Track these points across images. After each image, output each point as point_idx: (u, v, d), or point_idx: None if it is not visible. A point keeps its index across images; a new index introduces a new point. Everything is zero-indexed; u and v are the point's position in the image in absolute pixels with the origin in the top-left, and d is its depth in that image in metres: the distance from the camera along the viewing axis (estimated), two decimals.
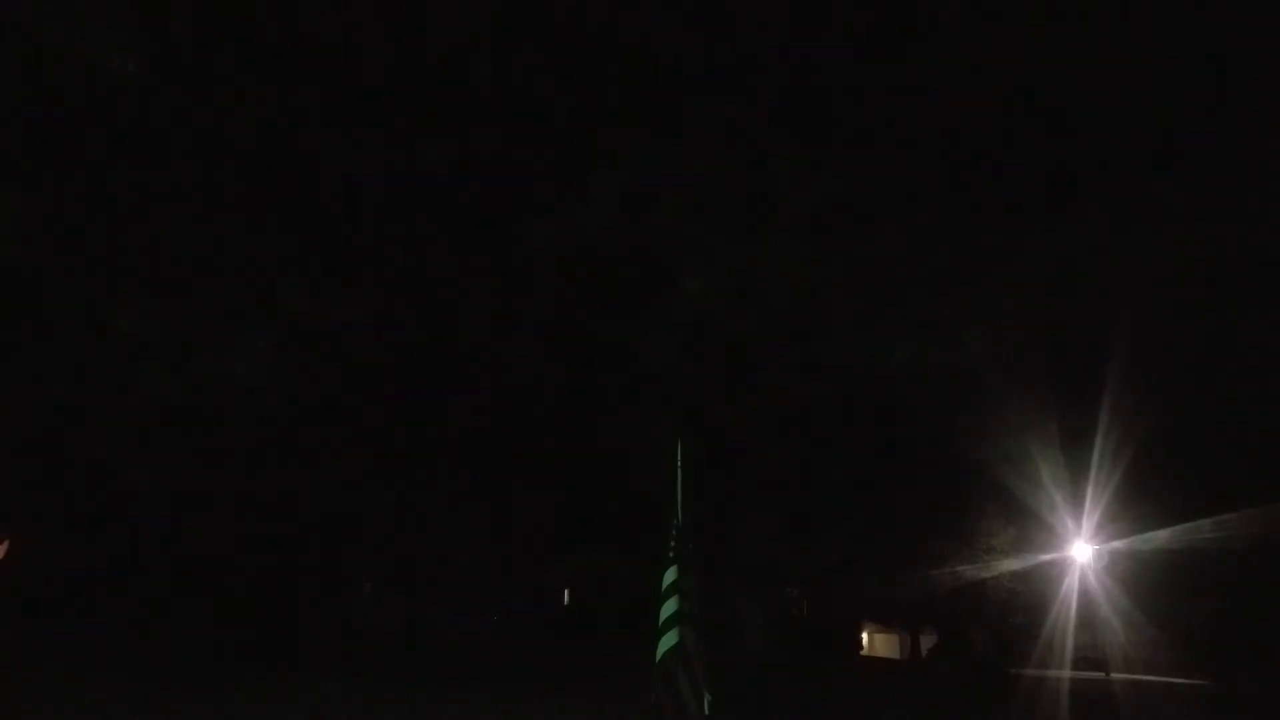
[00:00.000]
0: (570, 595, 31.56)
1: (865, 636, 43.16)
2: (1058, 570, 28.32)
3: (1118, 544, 26.21)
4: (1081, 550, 27.49)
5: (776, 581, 27.95)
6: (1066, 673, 27.44)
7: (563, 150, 21.51)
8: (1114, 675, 30.30)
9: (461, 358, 22.33)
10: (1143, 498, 24.43)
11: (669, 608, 5.98)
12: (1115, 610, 28.09)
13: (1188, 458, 23.05)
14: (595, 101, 21.29)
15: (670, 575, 6.07)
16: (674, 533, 6.21)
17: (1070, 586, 28.17)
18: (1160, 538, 24.65)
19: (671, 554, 6.13)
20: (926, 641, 36.45)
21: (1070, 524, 26.48)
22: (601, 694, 14.79)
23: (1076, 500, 25.46)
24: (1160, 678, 28.80)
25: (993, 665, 29.85)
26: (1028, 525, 27.22)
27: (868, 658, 39.26)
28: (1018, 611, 29.66)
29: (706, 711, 5.77)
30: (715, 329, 22.42)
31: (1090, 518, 25.74)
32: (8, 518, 18.73)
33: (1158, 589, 27.08)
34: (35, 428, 17.64)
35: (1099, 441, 22.98)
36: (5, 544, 18.71)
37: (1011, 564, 28.17)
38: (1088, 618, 29.32)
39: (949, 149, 21.58)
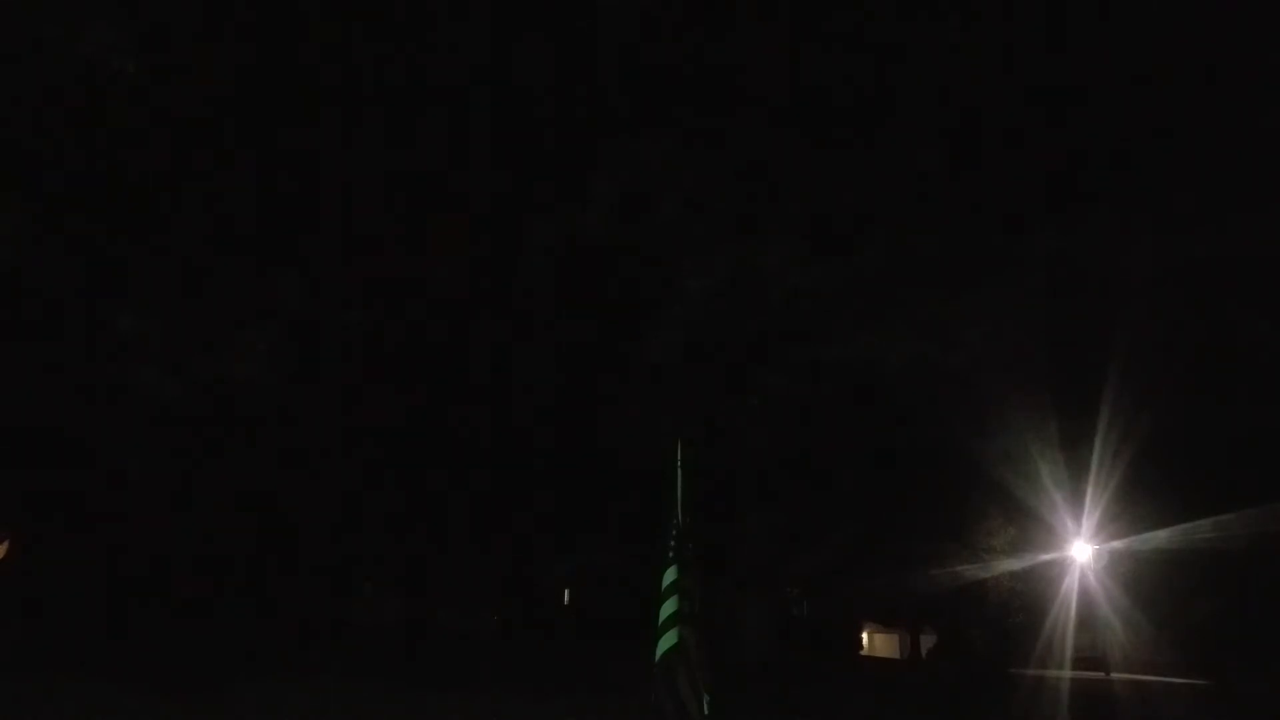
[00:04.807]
0: (570, 595, 31.56)
1: (865, 636, 43.21)
2: (1058, 570, 28.30)
3: (1118, 544, 26.18)
4: (1081, 550, 27.48)
5: (776, 581, 27.94)
6: (1066, 673, 27.43)
7: (562, 150, 21.51)
8: (1114, 675, 30.27)
9: (460, 358, 22.34)
10: (1143, 498, 24.40)
11: (669, 607, 5.98)
12: (1115, 610, 28.06)
13: (1188, 458, 23.01)
14: (595, 102, 21.29)
15: (670, 575, 6.07)
16: (674, 532, 6.20)
17: (1070, 586, 28.16)
18: (1160, 538, 24.61)
19: (671, 554, 6.13)
20: (926, 641, 36.43)
21: (1070, 524, 26.45)
22: (601, 694, 14.78)
23: (1076, 500, 25.43)
24: (1160, 678, 28.77)
25: (993, 665, 29.82)
26: (1028, 525, 27.19)
27: (868, 658, 39.28)
28: (1018, 611, 29.62)
29: (706, 712, 5.76)
30: (715, 329, 22.39)
31: (1090, 518, 25.72)
32: (7, 518, 18.75)
33: (1158, 589, 27.05)
34: (34, 428, 17.64)
35: (1099, 442, 22.95)
36: (5, 544, 18.73)
37: (1011, 564, 28.14)
38: (1088, 618, 29.30)
39: (949, 148, 21.56)
